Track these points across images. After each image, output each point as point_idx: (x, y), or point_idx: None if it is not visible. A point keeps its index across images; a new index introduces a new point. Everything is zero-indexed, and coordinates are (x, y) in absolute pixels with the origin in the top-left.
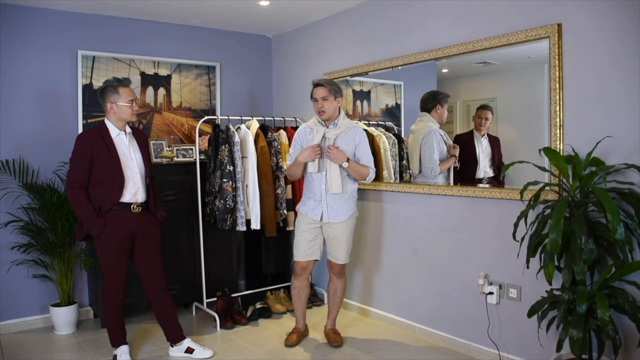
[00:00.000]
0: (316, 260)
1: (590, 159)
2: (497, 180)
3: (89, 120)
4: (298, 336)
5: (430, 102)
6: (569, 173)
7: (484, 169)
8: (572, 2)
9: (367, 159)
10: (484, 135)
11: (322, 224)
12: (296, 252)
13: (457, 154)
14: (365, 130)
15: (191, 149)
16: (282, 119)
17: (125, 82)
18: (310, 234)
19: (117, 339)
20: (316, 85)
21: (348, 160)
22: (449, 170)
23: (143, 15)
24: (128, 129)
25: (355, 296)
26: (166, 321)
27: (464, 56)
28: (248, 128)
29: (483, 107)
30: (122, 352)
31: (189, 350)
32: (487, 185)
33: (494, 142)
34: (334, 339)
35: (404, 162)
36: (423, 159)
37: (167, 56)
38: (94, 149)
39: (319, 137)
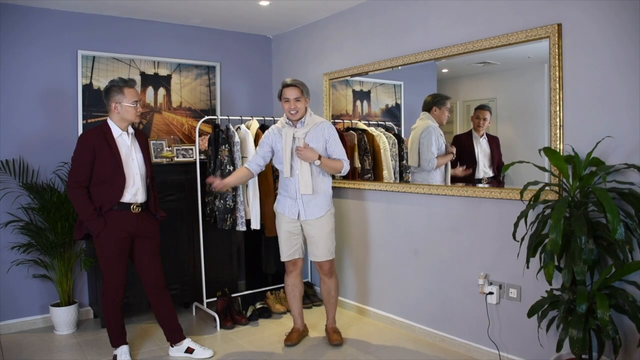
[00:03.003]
0: (301, 258)
1: (590, 159)
2: (497, 180)
3: (89, 120)
4: (298, 336)
5: (428, 104)
6: (569, 173)
7: (483, 169)
8: (572, 2)
9: (339, 152)
10: (482, 135)
11: (300, 222)
12: (281, 251)
13: (454, 151)
14: (365, 130)
15: (191, 149)
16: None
17: (130, 83)
18: (291, 233)
19: (117, 339)
20: (288, 85)
21: (320, 157)
22: (445, 167)
23: (143, 15)
24: (131, 130)
25: (355, 296)
26: (166, 321)
27: (464, 56)
28: (248, 128)
29: (481, 107)
30: (122, 352)
31: (189, 350)
32: (487, 185)
33: (493, 142)
34: (334, 337)
35: (404, 162)
36: (422, 152)
37: (167, 56)
38: (96, 148)
39: (290, 140)
